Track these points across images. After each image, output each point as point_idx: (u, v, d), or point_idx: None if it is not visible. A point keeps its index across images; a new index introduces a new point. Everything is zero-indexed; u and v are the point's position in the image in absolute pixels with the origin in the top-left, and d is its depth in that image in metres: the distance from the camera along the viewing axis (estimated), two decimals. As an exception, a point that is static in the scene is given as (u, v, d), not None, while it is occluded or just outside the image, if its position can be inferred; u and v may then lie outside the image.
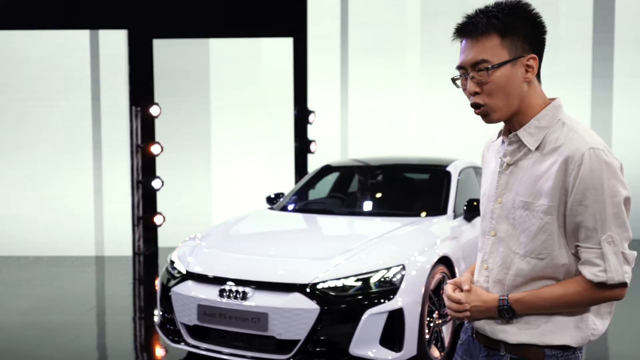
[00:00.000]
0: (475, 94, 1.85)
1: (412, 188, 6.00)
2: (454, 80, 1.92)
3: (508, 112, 1.86)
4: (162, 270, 4.77)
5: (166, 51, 9.37)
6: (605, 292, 1.79)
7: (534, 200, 1.83)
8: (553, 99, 1.91)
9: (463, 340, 2.09)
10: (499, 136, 2.02)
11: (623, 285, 1.79)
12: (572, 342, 1.86)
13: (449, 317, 2.03)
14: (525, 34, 1.83)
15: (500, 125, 2.01)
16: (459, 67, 1.89)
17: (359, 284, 4.09)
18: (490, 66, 1.81)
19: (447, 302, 1.94)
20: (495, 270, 1.92)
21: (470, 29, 1.84)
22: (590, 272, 1.78)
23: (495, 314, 1.88)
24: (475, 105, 1.87)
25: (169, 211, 9.16)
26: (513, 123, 1.89)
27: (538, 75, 1.89)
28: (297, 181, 9.08)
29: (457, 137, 9.46)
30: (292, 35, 9.31)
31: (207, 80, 9.54)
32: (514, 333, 1.88)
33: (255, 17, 9.19)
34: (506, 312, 1.86)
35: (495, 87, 1.82)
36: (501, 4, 1.85)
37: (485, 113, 1.86)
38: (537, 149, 1.85)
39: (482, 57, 1.82)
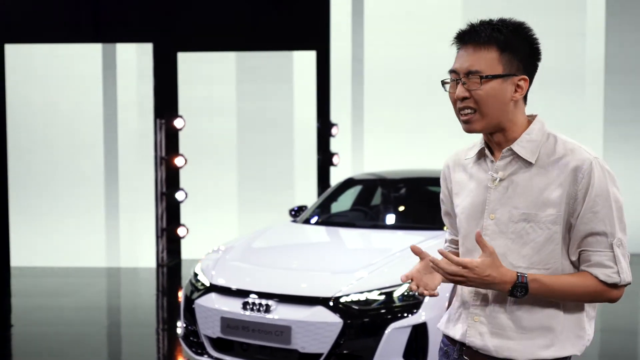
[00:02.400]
0: (464, 99, 1.88)
1: (435, 201, 5.95)
2: (443, 83, 1.96)
3: (489, 124, 1.89)
4: (185, 282, 4.80)
5: (191, 64, 9.45)
6: (613, 291, 1.86)
7: (538, 212, 1.85)
8: (534, 116, 1.96)
9: None
10: (479, 155, 2.01)
11: (627, 285, 1.88)
12: (577, 350, 1.91)
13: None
14: (522, 54, 1.88)
15: (466, 142, 2.08)
16: (452, 72, 1.93)
17: (382, 297, 4.08)
18: (483, 75, 1.85)
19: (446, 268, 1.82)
20: None
21: (472, 37, 1.88)
22: (604, 274, 1.84)
23: (506, 290, 1.82)
24: (462, 109, 1.89)
25: (193, 223, 9.20)
26: (497, 139, 1.93)
27: (525, 97, 1.93)
28: (319, 194, 9.09)
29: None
30: (315, 49, 9.34)
31: (230, 93, 9.60)
32: (522, 351, 1.88)
33: (278, 31, 9.24)
34: (519, 289, 1.81)
35: (483, 96, 1.86)
36: (506, 21, 1.90)
37: (470, 120, 1.89)
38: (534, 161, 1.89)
39: (477, 69, 1.86)
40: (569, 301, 1.88)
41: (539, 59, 1.92)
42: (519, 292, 1.82)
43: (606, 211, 1.82)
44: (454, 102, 1.91)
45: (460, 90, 1.88)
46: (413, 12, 9.88)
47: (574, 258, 1.88)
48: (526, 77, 1.89)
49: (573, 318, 1.90)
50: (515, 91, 1.88)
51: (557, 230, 1.85)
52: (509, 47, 1.86)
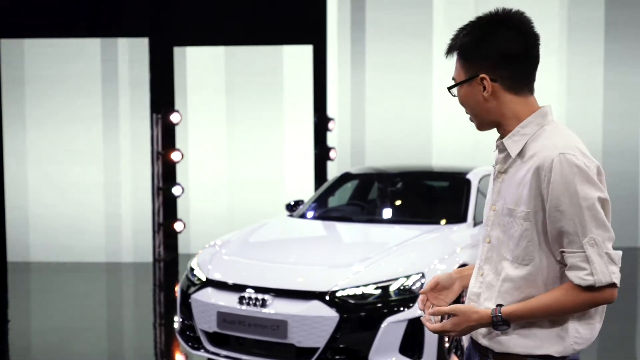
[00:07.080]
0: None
1: (432, 196, 5.98)
2: (449, 90, 2.03)
3: (481, 123, 1.97)
4: (182, 276, 4.80)
5: (187, 59, 9.43)
6: (595, 295, 1.77)
7: (515, 207, 1.87)
8: (541, 107, 1.93)
9: (468, 347, 2.13)
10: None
11: (612, 286, 1.77)
12: (554, 351, 1.86)
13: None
14: (482, 54, 1.88)
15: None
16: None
17: (379, 291, 4.08)
18: (449, 86, 1.97)
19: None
20: (490, 275, 1.96)
21: (448, 48, 1.98)
22: (577, 277, 1.77)
23: (490, 326, 1.89)
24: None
25: (189, 218, 9.19)
26: (500, 132, 1.98)
27: (516, 89, 1.89)
28: (316, 188, 9.08)
29: (478, 144, 9.40)
30: (311, 43, 9.33)
31: (227, 87, 9.58)
32: (498, 342, 1.92)
33: (275, 25, 9.22)
34: (501, 324, 1.86)
35: (463, 102, 1.97)
36: (469, 23, 1.94)
37: (471, 120, 2.00)
38: (518, 155, 1.89)
39: (453, 76, 1.97)
40: (557, 317, 1.85)
41: (513, 52, 1.86)
42: (502, 327, 1.87)
43: (573, 210, 1.76)
44: None
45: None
46: (416, 5, 9.85)
47: (558, 258, 1.84)
48: (485, 75, 1.87)
49: (554, 318, 1.85)
50: (485, 89, 1.89)
51: (529, 227, 1.84)
52: (465, 52, 1.91)
